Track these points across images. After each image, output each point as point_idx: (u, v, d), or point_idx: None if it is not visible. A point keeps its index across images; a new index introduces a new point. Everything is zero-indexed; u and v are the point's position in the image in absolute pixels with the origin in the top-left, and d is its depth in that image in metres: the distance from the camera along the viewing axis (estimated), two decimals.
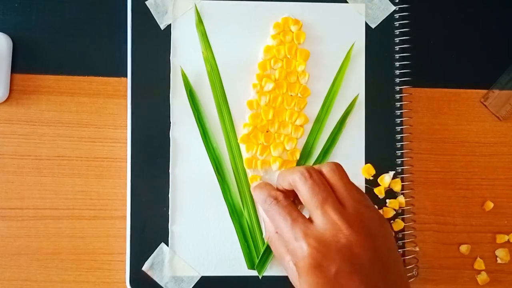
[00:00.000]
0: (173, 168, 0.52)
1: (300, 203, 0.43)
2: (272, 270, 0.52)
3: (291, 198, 0.44)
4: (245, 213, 0.52)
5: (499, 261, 0.54)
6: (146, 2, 0.53)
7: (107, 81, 0.53)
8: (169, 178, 0.52)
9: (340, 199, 0.40)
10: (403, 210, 0.53)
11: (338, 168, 0.42)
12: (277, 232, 0.43)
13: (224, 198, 0.52)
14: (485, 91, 0.55)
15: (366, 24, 0.54)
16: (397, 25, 0.54)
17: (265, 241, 0.52)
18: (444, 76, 0.55)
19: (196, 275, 0.52)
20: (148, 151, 0.52)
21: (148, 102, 0.52)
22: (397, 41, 0.54)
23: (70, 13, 0.53)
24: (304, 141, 0.53)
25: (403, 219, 0.53)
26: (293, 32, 0.53)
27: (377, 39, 0.54)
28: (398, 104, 0.54)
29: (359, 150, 0.53)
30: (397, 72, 0.54)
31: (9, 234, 0.52)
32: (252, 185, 0.51)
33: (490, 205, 0.54)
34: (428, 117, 0.55)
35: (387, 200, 0.53)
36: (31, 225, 0.52)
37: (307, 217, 0.41)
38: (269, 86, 0.52)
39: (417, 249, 0.53)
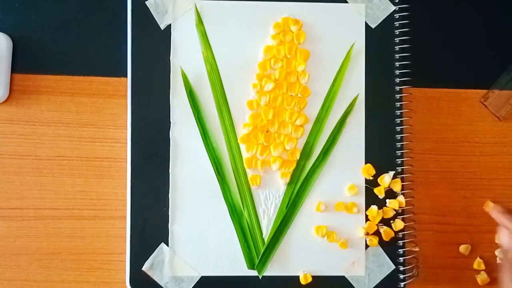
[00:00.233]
0: (173, 168, 0.52)
1: None
2: (272, 270, 0.52)
3: None
4: (245, 213, 0.52)
5: (499, 261, 0.54)
6: (146, 2, 0.53)
7: (107, 81, 0.53)
8: (169, 178, 0.52)
9: None
10: (403, 210, 0.53)
11: None
12: None
13: (224, 198, 0.52)
14: (485, 91, 0.55)
15: (366, 24, 0.54)
16: (397, 25, 0.54)
17: (267, 232, 0.52)
18: (444, 76, 0.55)
19: (196, 275, 0.52)
20: (148, 151, 0.52)
21: (148, 102, 0.52)
22: (397, 41, 0.54)
23: (70, 13, 0.53)
24: (304, 141, 0.53)
25: (403, 219, 0.53)
26: (293, 32, 0.53)
27: (377, 39, 0.54)
28: (398, 104, 0.54)
29: (359, 150, 0.53)
30: (397, 72, 0.54)
31: (9, 234, 0.52)
32: (491, 206, 0.53)
33: (490, 205, 0.54)
34: (428, 117, 0.55)
35: (387, 200, 0.53)
36: (31, 225, 0.52)
37: None
38: (269, 86, 0.52)
39: (417, 249, 0.53)
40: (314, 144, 0.53)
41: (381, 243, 0.53)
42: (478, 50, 0.56)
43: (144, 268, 0.51)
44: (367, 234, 0.52)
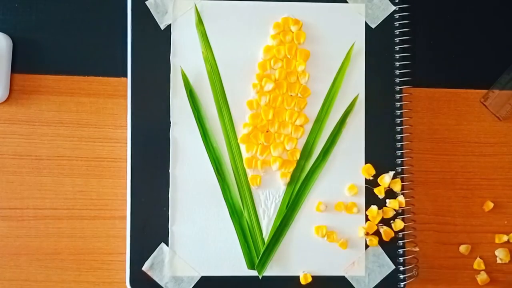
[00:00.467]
0: (173, 168, 0.52)
1: None
2: (272, 270, 0.52)
3: None
4: (245, 213, 0.52)
5: (499, 261, 0.54)
6: (146, 2, 0.53)
7: (107, 81, 0.53)
8: (169, 178, 0.52)
9: None
10: (403, 210, 0.53)
11: None
12: None
13: (224, 198, 0.52)
14: (485, 91, 0.55)
15: (366, 24, 0.54)
16: (397, 25, 0.54)
17: (267, 231, 0.52)
18: (444, 76, 0.55)
19: (196, 275, 0.52)
20: (148, 151, 0.52)
21: (148, 102, 0.52)
22: (397, 41, 0.54)
23: (70, 13, 0.53)
24: (304, 141, 0.53)
25: (403, 219, 0.53)
26: (293, 32, 0.53)
27: (377, 39, 0.54)
28: (398, 104, 0.54)
29: (359, 150, 0.53)
30: (397, 72, 0.54)
31: (9, 234, 0.52)
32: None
33: (490, 205, 0.54)
34: (428, 117, 0.55)
35: (387, 200, 0.53)
36: (31, 225, 0.52)
37: None
38: (269, 86, 0.52)
39: (417, 249, 0.53)
40: (314, 144, 0.53)
41: (381, 243, 0.53)
42: (478, 50, 0.56)
43: (144, 268, 0.51)
44: (367, 234, 0.52)
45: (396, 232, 0.53)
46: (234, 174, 0.52)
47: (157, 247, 0.51)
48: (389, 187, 0.53)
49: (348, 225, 0.53)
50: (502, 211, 0.55)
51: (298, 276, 0.52)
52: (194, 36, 0.53)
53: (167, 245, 0.52)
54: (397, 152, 0.53)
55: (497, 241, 0.54)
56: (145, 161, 0.52)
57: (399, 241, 0.53)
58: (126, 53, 0.52)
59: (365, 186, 0.53)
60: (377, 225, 0.53)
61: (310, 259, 0.52)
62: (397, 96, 0.54)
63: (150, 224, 0.52)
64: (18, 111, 0.53)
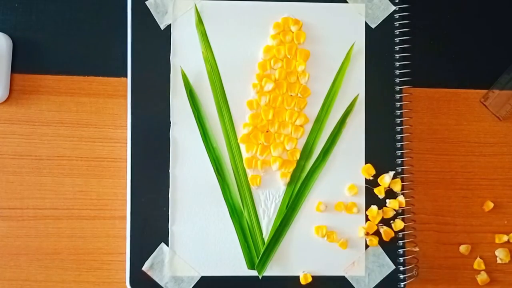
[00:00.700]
0: (173, 168, 0.52)
1: None
2: (272, 270, 0.52)
3: None
4: (245, 213, 0.52)
5: (499, 261, 0.54)
6: (146, 2, 0.53)
7: (107, 81, 0.53)
8: (169, 178, 0.52)
9: None
10: (403, 210, 0.53)
11: None
12: None
13: (224, 198, 0.52)
14: (485, 91, 0.55)
15: (366, 24, 0.54)
16: (397, 25, 0.54)
17: (267, 231, 0.52)
18: (444, 76, 0.55)
19: (196, 275, 0.52)
20: (148, 151, 0.52)
21: (148, 102, 0.52)
22: (397, 41, 0.54)
23: (70, 13, 0.53)
24: (304, 141, 0.53)
25: (403, 219, 0.53)
26: (293, 32, 0.53)
27: (377, 39, 0.54)
28: (398, 104, 0.54)
29: (359, 150, 0.53)
30: (397, 72, 0.54)
31: (9, 234, 0.52)
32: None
33: (490, 205, 0.54)
34: (428, 117, 0.55)
35: (387, 200, 0.53)
36: (31, 225, 0.52)
37: None
38: (269, 86, 0.52)
39: (417, 249, 0.53)
40: (314, 144, 0.53)
41: (381, 243, 0.53)
42: (478, 50, 0.56)
43: (144, 268, 0.51)
44: (367, 234, 0.52)
45: (396, 232, 0.53)
46: (234, 174, 0.52)
47: (157, 247, 0.51)
48: (389, 187, 0.53)
49: (348, 225, 0.53)
50: (502, 211, 0.55)
51: (298, 276, 0.52)
52: (194, 36, 0.53)
53: (167, 245, 0.52)
54: (397, 152, 0.53)
55: (497, 241, 0.54)
56: (145, 161, 0.52)
57: (399, 241, 0.53)
58: (126, 53, 0.52)
59: (365, 186, 0.53)
60: (377, 225, 0.53)
61: (310, 259, 0.52)
62: (397, 96, 0.54)
63: (150, 224, 0.52)
64: (18, 111, 0.53)
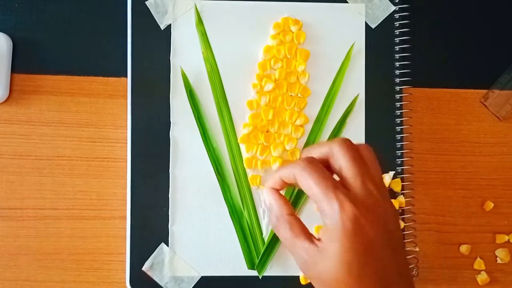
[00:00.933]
0: (173, 168, 0.52)
1: None
2: (272, 270, 0.52)
3: None
4: (245, 213, 0.52)
5: (499, 261, 0.54)
6: (146, 2, 0.53)
7: (107, 81, 0.53)
8: (169, 178, 0.52)
9: (373, 177, 0.41)
10: (403, 210, 0.53)
11: (372, 149, 0.43)
12: (289, 214, 0.42)
13: (224, 198, 0.52)
14: (485, 91, 0.55)
15: (366, 24, 0.54)
16: (397, 25, 0.54)
17: (267, 231, 0.52)
18: (444, 76, 0.55)
19: (196, 275, 0.52)
20: (148, 151, 0.52)
21: (148, 102, 0.52)
22: (397, 41, 0.54)
23: (70, 13, 0.53)
24: (304, 141, 0.53)
25: (403, 219, 0.53)
26: (293, 32, 0.53)
27: (377, 39, 0.54)
28: (398, 104, 0.54)
29: None
30: (397, 72, 0.54)
31: (9, 234, 0.52)
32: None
33: (490, 205, 0.54)
34: (428, 117, 0.55)
35: None
36: (31, 225, 0.52)
37: None
38: (269, 86, 0.52)
39: (417, 249, 0.53)
40: None
41: None
42: (478, 50, 0.56)
43: (144, 268, 0.51)
44: None
45: None
46: (234, 174, 0.52)
47: (157, 247, 0.51)
48: (389, 187, 0.53)
49: None
50: (502, 211, 0.55)
51: (298, 276, 0.52)
52: (194, 36, 0.53)
53: (167, 245, 0.52)
54: (397, 152, 0.53)
55: (497, 241, 0.54)
56: (145, 161, 0.52)
57: None
58: (126, 53, 0.52)
59: None
60: None
61: None
62: (397, 96, 0.54)
63: (150, 224, 0.52)
64: (18, 111, 0.52)
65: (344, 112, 0.53)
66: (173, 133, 0.52)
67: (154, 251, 0.51)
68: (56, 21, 0.53)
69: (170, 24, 0.53)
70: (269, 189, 0.44)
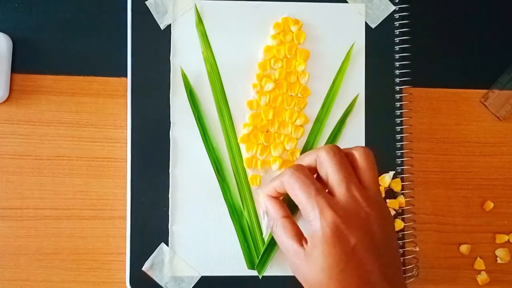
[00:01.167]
0: (173, 168, 0.52)
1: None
2: (272, 270, 0.52)
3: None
4: (245, 213, 0.52)
5: (499, 261, 0.54)
6: (146, 2, 0.53)
7: (107, 81, 0.53)
8: (169, 178, 0.52)
9: (362, 180, 0.42)
10: (403, 210, 0.53)
11: (370, 153, 0.44)
12: (284, 217, 0.43)
13: (224, 198, 0.52)
14: (485, 91, 0.55)
15: (366, 24, 0.54)
16: (397, 25, 0.54)
17: (267, 231, 0.52)
18: (444, 76, 0.55)
19: (196, 275, 0.52)
20: (148, 151, 0.52)
21: (148, 102, 0.52)
22: (397, 41, 0.54)
23: (70, 13, 0.53)
24: (304, 141, 0.53)
25: (403, 219, 0.53)
26: (293, 32, 0.53)
27: (377, 39, 0.54)
28: (398, 104, 0.54)
29: None
30: (397, 72, 0.54)
31: (9, 234, 0.52)
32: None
33: (490, 205, 0.54)
34: (428, 117, 0.55)
35: (387, 200, 0.53)
36: (31, 225, 0.52)
37: None
38: (269, 86, 0.52)
39: (417, 249, 0.53)
40: (314, 144, 0.53)
41: None
42: (478, 50, 0.56)
43: (144, 268, 0.51)
44: None
45: (396, 232, 0.53)
46: (234, 174, 0.52)
47: (157, 247, 0.51)
48: (389, 187, 0.53)
49: None
50: (502, 211, 0.55)
51: None
52: (194, 36, 0.53)
53: (167, 245, 0.52)
54: (397, 152, 0.53)
55: (497, 241, 0.54)
56: (145, 161, 0.52)
57: (399, 241, 0.53)
58: (126, 53, 0.52)
59: None
60: None
61: None
62: (397, 96, 0.54)
63: (150, 224, 0.52)
64: (18, 111, 0.53)
65: (344, 112, 0.53)
66: (173, 133, 0.52)
67: (154, 251, 0.51)
68: (56, 21, 0.53)
69: (170, 24, 0.53)
70: (265, 195, 0.45)
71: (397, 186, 0.53)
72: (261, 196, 0.50)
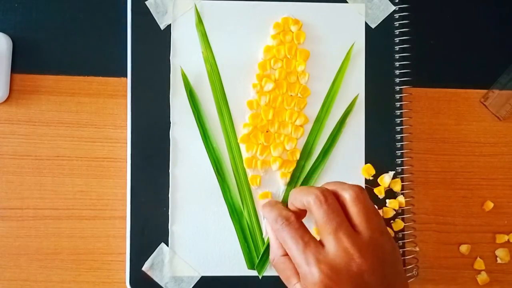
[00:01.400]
0: (173, 168, 0.52)
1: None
2: (272, 270, 0.52)
3: (302, 218, 0.43)
4: (245, 213, 0.52)
5: (499, 261, 0.54)
6: (146, 2, 0.53)
7: (107, 81, 0.53)
8: (169, 178, 0.52)
9: (355, 225, 0.40)
10: (403, 210, 0.53)
11: (361, 194, 0.41)
12: (284, 255, 0.43)
13: (224, 198, 0.52)
14: (485, 91, 0.55)
15: (366, 24, 0.54)
16: (397, 25, 0.54)
17: (267, 231, 0.52)
18: (444, 76, 0.55)
19: (196, 275, 0.52)
20: (148, 151, 0.52)
21: (148, 102, 0.52)
22: (397, 41, 0.54)
23: (70, 13, 0.53)
24: (304, 141, 0.53)
25: (403, 219, 0.53)
26: (293, 32, 0.53)
27: (377, 39, 0.54)
28: (398, 104, 0.54)
29: (359, 150, 0.53)
30: (397, 72, 0.54)
31: (9, 234, 0.52)
32: (262, 202, 0.51)
33: (490, 205, 0.54)
34: (428, 117, 0.55)
35: (387, 200, 0.53)
36: (31, 225, 0.52)
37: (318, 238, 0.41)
38: (269, 86, 0.52)
39: (417, 249, 0.53)
40: (314, 144, 0.53)
41: None
42: (478, 50, 0.56)
43: (144, 268, 0.51)
44: None
45: (396, 232, 0.53)
46: (234, 174, 0.52)
47: (157, 247, 0.51)
48: (389, 187, 0.53)
49: None
50: (502, 211, 0.55)
51: None
52: (194, 36, 0.53)
53: (167, 245, 0.52)
54: (397, 152, 0.53)
55: (497, 241, 0.54)
56: (145, 161, 0.52)
57: (399, 241, 0.53)
58: (126, 53, 0.52)
59: (365, 186, 0.53)
60: None
61: None
62: (397, 96, 0.54)
63: (150, 224, 0.52)
64: (18, 111, 0.53)
65: (344, 112, 0.53)
66: (173, 133, 0.52)
67: (154, 251, 0.51)
68: (56, 21, 0.53)
69: (170, 24, 0.53)
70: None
71: (397, 186, 0.53)
72: (263, 224, 0.51)
